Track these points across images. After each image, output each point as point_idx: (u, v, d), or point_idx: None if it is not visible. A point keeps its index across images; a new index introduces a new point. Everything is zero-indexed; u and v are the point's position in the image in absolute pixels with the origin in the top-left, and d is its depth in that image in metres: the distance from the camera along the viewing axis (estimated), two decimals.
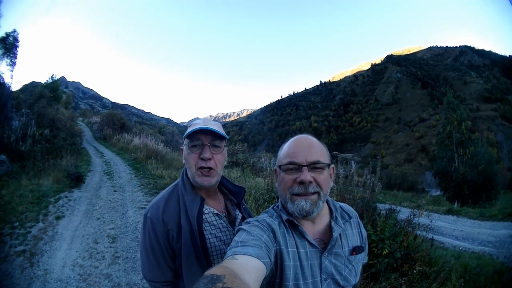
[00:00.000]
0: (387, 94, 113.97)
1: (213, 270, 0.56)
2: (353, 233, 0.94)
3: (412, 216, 3.42)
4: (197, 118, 1.13)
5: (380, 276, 2.91)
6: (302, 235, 0.84)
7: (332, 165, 0.91)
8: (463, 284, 3.01)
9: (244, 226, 0.82)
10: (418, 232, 3.54)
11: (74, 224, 5.04)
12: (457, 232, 7.23)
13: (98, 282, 3.35)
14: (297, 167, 0.83)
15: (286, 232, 0.84)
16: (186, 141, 1.06)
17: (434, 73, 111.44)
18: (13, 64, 12.43)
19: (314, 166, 0.83)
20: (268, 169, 7.96)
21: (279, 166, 0.89)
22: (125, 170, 10.13)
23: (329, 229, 0.89)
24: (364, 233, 1.00)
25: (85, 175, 8.64)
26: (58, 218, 5.22)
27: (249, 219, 0.87)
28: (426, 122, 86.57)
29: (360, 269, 0.95)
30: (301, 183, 0.82)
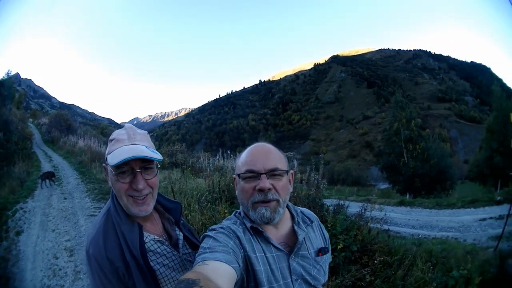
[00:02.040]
0: (329, 93, 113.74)
1: (188, 275, 0.58)
2: (316, 235, 0.98)
3: (363, 210, 3.60)
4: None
5: (340, 270, 2.99)
6: (267, 241, 0.87)
7: (291, 171, 0.94)
8: (431, 267, 3.12)
9: (210, 233, 0.83)
10: (372, 225, 3.72)
11: (33, 239, 4.92)
12: (413, 221, 7.58)
13: None
14: (256, 175, 0.85)
15: (251, 239, 0.86)
16: (110, 165, 0.88)
17: (383, 74, 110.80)
18: None
19: (272, 173, 0.85)
20: (208, 169, 7.89)
21: (238, 175, 0.89)
22: (72, 175, 9.97)
23: (292, 233, 0.92)
24: (327, 234, 1.04)
25: (36, 182, 8.51)
26: (18, 233, 5.09)
27: (214, 226, 0.88)
28: (370, 119, 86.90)
29: (328, 268, 1.00)
30: (261, 190, 0.84)
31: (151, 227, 1.00)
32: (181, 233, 1.07)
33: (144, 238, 0.92)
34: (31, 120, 26.57)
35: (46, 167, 10.96)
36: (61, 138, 17.91)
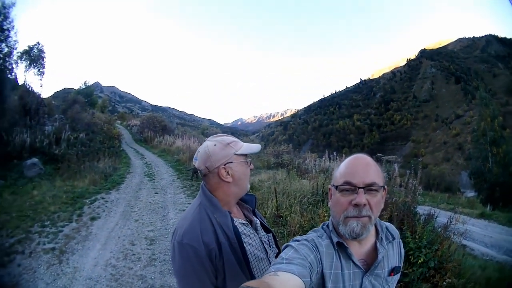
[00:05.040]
0: (424, 90, 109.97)
1: (251, 283, 0.59)
2: (393, 253, 0.96)
3: (449, 223, 3.36)
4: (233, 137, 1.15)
5: (412, 287, 2.85)
6: (348, 257, 0.86)
7: (386, 187, 0.91)
8: None
9: (292, 244, 0.84)
10: (453, 239, 3.44)
11: (110, 225, 4.95)
12: (487, 238, 6.84)
13: (131, 282, 3.30)
14: (353, 189, 0.84)
15: (333, 254, 0.87)
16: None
17: (466, 66, 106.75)
18: (41, 73, 13.26)
19: (369, 188, 0.84)
20: (314, 171, 7.87)
21: (336, 186, 0.88)
22: (167, 172, 10.03)
23: (373, 250, 0.91)
24: (403, 252, 1.02)
25: (124, 177, 8.75)
26: (93, 219, 5.16)
27: (298, 237, 0.90)
28: (461, 118, 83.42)
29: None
30: (356, 205, 0.83)
31: (236, 213, 1.21)
32: (257, 220, 1.27)
33: (234, 222, 1.12)
34: (119, 122, 30.23)
35: (136, 163, 11.49)
36: (155, 138, 19.44)
